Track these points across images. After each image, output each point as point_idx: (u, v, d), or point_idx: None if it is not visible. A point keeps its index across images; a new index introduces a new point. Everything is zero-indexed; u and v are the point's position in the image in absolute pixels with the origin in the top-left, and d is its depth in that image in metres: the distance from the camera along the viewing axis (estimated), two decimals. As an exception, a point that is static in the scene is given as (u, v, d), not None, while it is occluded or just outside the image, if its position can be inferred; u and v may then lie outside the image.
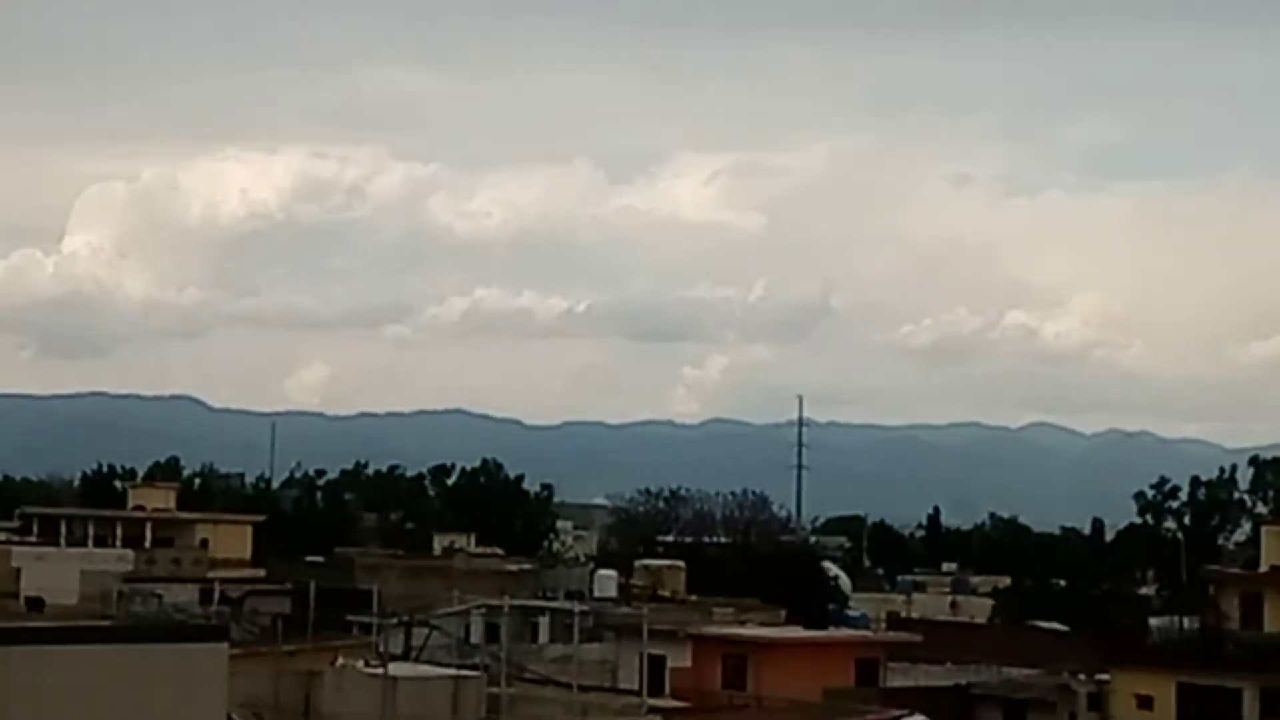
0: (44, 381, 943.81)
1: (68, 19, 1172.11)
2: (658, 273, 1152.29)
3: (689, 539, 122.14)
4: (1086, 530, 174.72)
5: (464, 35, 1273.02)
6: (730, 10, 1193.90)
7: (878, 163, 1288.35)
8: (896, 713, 55.56)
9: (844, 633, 75.95)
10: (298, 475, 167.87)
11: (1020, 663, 73.15)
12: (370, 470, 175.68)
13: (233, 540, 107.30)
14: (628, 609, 76.60)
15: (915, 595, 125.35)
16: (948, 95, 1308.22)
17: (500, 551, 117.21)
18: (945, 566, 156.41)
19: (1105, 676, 65.09)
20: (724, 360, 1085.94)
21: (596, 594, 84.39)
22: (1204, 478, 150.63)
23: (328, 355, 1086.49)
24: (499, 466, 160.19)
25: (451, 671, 38.86)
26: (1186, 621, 67.86)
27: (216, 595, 74.57)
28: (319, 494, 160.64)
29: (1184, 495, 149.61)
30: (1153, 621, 70.80)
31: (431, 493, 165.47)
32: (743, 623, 75.42)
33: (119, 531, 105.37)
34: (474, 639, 63.33)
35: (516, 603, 62.53)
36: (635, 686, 49.91)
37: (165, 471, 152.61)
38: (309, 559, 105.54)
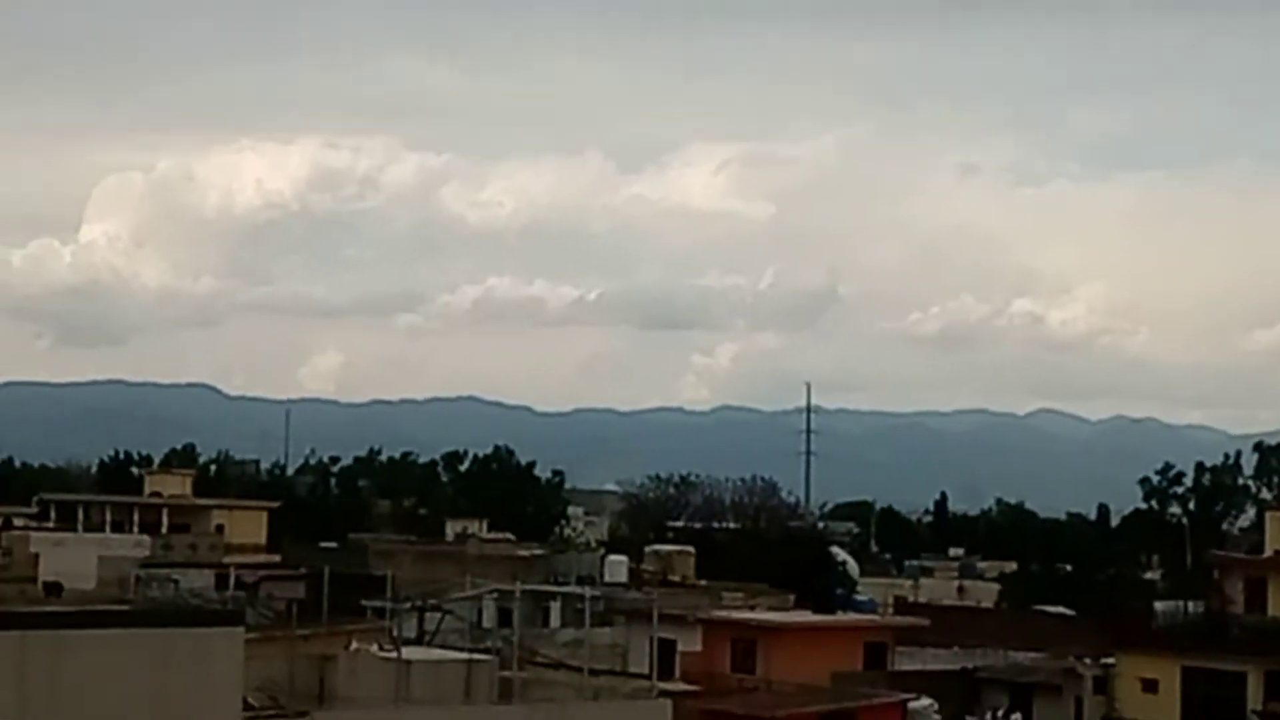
0: (61, 370, 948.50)
1: (84, 12, 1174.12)
2: (668, 261, 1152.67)
3: (699, 525, 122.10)
4: (1092, 516, 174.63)
5: (476, 26, 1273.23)
6: (740, 0, 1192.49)
7: (885, 152, 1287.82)
8: (904, 696, 55.65)
9: (852, 617, 76.03)
10: (312, 462, 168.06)
11: (1026, 647, 73.18)
12: (383, 457, 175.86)
13: (248, 526, 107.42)
14: (638, 594, 76.58)
15: (922, 580, 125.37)
16: (955, 85, 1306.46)
17: (512, 537, 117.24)
18: (952, 552, 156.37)
19: (1110, 660, 65.12)
20: (733, 348, 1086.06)
21: (607, 579, 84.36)
22: (1209, 463, 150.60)
23: (341, 343, 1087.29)
24: (511, 453, 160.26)
25: (464, 655, 38.84)
26: (1191, 606, 67.76)
27: (232, 580, 74.48)
28: (333, 480, 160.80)
29: (1189, 481, 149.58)
30: (1158, 606, 70.69)
31: (444, 479, 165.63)
32: (752, 607, 75.43)
33: (136, 517, 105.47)
34: (486, 623, 63.34)
35: (528, 588, 62.47)
36: (645, 670, 49.89)
37: (181, 458, 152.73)
38: (323, 544, 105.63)
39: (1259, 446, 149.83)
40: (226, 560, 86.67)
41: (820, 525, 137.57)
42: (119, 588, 70.89)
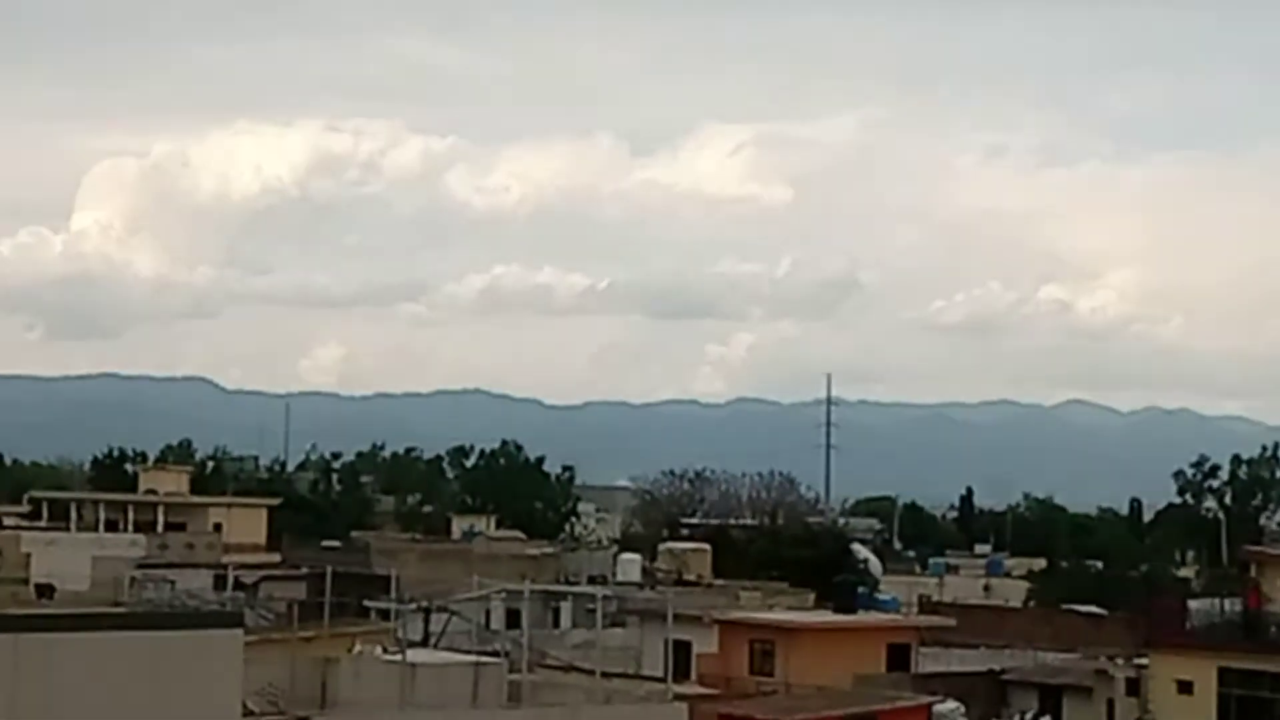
0: (53, 363, 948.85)
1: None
2: (681, 248, 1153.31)
3: (714, 521, 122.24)
4: (1124, 510, 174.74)
5: (482, 4, 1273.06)
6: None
7: (908, 133, 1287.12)
8: (929, 699, 55.58)
9: (874, 617, 75.83)
10: (313, 457, 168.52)
11: (1056, 647, 73.12)
12: (387, 452, 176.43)
13: (247, 524, 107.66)
14: (652, 593, 76.76)
15: (948, 578, 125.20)
16: (980, 63, 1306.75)
17: (521, 535, 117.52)
18: (978, 548, 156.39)
19: (1143, 660, 65.00)
20: (750, 338, 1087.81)
21: (620, 578, 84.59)
22: (1245, 456, 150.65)
23: (343, 334, 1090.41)
24: (519, 448, 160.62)
25: (471, 658, 38.91)
26: (1228, 604, 67.60)
27: (230, 581, 74.81)
28: (335, 477, 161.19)
29: (1224, 474, 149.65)
30: (1192, 604, 70.48)
31: (450, 475, 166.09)
32: (770, 607, 75.49)
33: (130, 516, 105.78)
34: (494, 625, 63.51)
35: (538, 587, 62.56)
36: (660, 673, 49.97)
37: (177, 454, 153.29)
38: (325, 543, 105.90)
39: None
40: (224, 560, 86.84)
41: (841, 521, 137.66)
42: (113, 589, 71.15)
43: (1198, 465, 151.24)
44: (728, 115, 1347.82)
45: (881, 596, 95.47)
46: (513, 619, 63.10)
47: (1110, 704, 65.00)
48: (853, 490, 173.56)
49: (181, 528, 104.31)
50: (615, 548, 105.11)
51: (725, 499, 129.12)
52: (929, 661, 68.48)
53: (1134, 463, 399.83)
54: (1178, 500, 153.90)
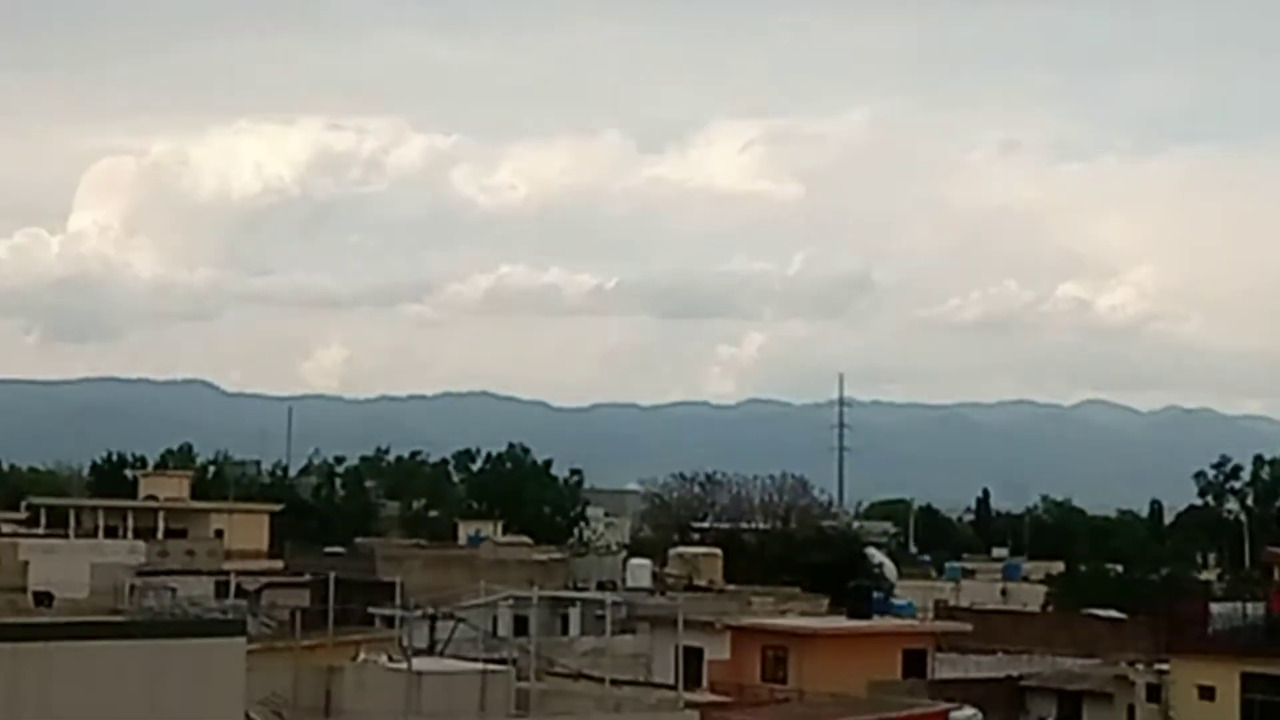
0: (50, 366, 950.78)
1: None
2: (691, 246, 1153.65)
3: (726, 525, 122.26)
4: (1144, 512, 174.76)
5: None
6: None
7: (921, 128, 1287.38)
8: (945, 706, 55.55)
9: (890, 623, 75.79)
10: (316, 462, 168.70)
11: (1075, 652, 73.09)
12: (391, 456, 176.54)
13: (249, 530, 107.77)
14: (662, 599, 76.76)
15: (964, 582, 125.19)
16: (994, 56, 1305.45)
17: (528, 540, 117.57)
18: (995, 552, 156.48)
19: (1165, 666, 64.97)
20: (761, 337, 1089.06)
21: (629, 584, 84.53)
22: (1268, 456, 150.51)
23: (346, 336, 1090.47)
24: (526, 451, 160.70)
25: (478, 666, 38.91)
26: (1250, 607, 67.55)
27: (232, 588, 74.92)
28: (338, 481, 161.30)
29: (1246, 475, 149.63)
30: (1215, 608, 70.44)
31: (456, 479, 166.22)
32: (783, 613, 75.45)
33: (130, 522, 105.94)
34: (502, 632, 63.50)
35: (546, 594, 62.65)
36: (671, 680, 49.90)
37: (178, 459, 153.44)
38: (328, 549, 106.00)
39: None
40: (226, 567, 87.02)
41: (855, 525, 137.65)
42: (113, 597, 71.23)
43: (1219, 466, 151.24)
44: (737, 111, 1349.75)
45: (897, 601, 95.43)
46: (520, 626, 63.14)
47: (1131, 710, 64.99)
48: (867, 493, 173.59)
49: (182, 534, 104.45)
50: (624, 552, 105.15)
51: (737, 502, 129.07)
52: (945, 668, 68.47)
53: (1154, 464, 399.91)
54: (1199, 502, 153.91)
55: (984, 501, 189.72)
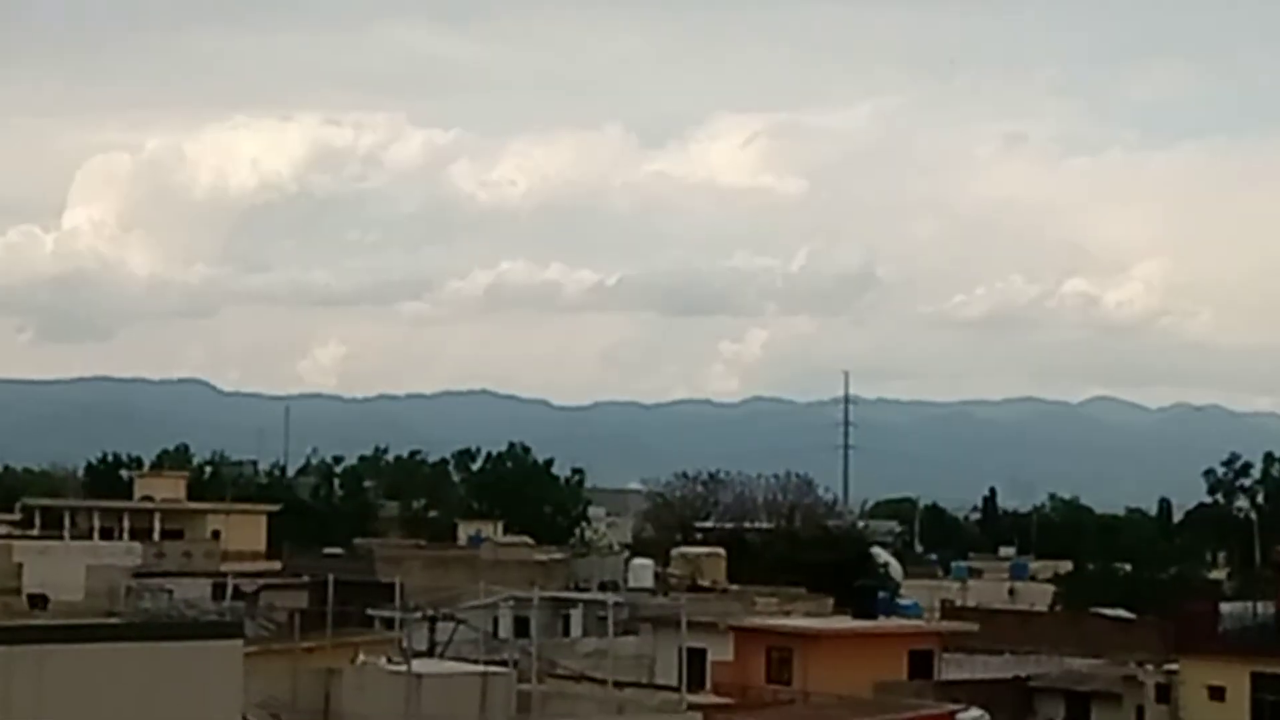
0: (44, 366, 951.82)
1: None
2: (693, 242, 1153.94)
3: (729, 525, 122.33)
4: (1153, 510, 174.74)
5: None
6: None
7: (926, 123, 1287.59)
8: (952, 707, 55.58)
9: (895, 623, 75.81)
10: (314, 462, 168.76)
11: (1083, 652, 73.10)
12: (390, 456, 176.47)
13: (246, 531, 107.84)
14: (665, 600, 76.75)
15: (971, 582, 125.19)
16: (1000, 49, 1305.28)
17: (529, 540, 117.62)
18: (1002, 551, 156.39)
19: (1174, 666, 65.00)
20: (764, 334, 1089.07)
21: (632, 584, 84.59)
22: (1278, 454, 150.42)
23: (344, 334, 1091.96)
24: (527, 450, 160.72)
25: (479, 668, 38.95)
26: (1261, 607, 67.56)
27: (230, 590, 74.97)
28: (336, 481, 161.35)
29: (1256, 472, 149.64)
30: (1224, 607, 70.46)
31: (455, 479, 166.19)
32: (787, 613, 75.47)
33: (126, 523, 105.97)
34: (502, 633, 63.58)
35: (547, 594, 62.72)
36: (674, 682, 49.96)
37: (174, 459, 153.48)
38: (327, 550, 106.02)
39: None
40: (223, 568, 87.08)
41: (860, 524, 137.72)
42: (109, 599, 71.17)
43: (1229, 463, 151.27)
44: (740, 105, 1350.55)
45: (903, 601, 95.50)
46: (521, 627, 63.16)
47: (1140, 711, 65.01)
48: (872, 491, 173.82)
49: (179, 535, 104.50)
50: (627, 553, 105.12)
51: (740, 501, 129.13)
52: (952, 668, 68.48)
53: (1163, 461, 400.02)
54: (1208, 500, 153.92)
55: (990, 500, 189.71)
